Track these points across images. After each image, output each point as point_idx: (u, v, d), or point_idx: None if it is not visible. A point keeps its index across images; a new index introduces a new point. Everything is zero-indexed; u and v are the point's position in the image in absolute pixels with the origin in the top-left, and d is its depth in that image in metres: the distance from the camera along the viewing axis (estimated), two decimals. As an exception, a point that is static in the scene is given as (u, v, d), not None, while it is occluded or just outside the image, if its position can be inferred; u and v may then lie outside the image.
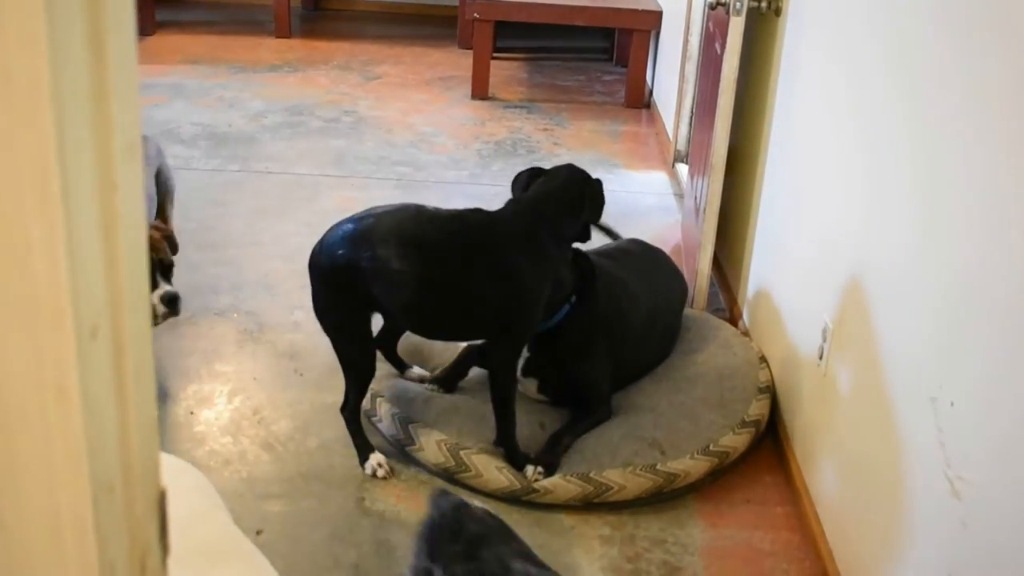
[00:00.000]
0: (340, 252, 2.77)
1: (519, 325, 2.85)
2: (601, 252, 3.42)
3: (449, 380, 3.18)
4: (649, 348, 3.32)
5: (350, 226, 2.80)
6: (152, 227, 3.13)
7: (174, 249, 3.29)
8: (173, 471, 1.80)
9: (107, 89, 0.68)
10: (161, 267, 3.13)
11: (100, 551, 0.75)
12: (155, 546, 0.84)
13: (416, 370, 3.29)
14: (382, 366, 3.22)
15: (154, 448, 0.83)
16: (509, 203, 2.98)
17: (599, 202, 3.04)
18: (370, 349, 2.96)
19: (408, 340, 3.34)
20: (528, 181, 3.04)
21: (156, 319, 3.04)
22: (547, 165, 5.20)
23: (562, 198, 2.94)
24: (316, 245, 2.87)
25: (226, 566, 1.72)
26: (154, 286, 3.06)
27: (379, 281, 2.74)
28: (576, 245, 3.04)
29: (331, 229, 2.85)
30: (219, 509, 1.88)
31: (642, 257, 3.52)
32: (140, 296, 0.77)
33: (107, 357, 0.73)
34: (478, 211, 2.93)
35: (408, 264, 2.73)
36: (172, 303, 3.09)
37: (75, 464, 0.71)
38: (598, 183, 3.06)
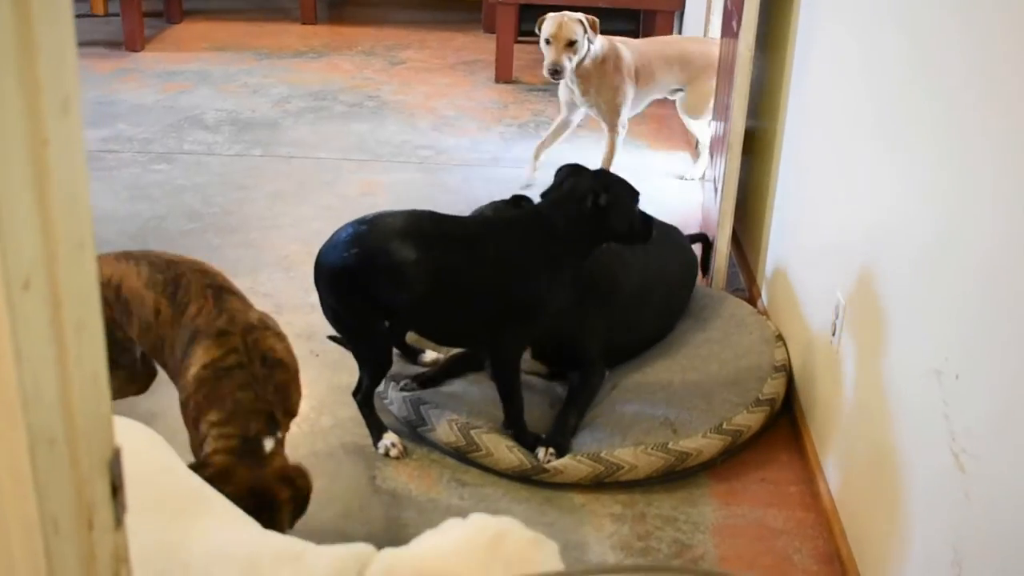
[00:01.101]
0: (354, 251, 2.75)
1: (524, 324, 2.86)
2: None
3: (432, 380, 3.16)
4: (645, 315, 3.31)
5: (363, 227, 2.79)
6: (283, 475, 2.30)
7: (300, 509, 2.34)
8: (126, 429, 1.87)
9: (33, 45, 0.68)
10: None
11: (40, 504, 0.76)
12: (105, 504, 0.84)
13: (429, 355, 3.30)
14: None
15: (102, 404, 0.83)
16: (526, 209, 2.97)
17: (621, 213, 2.87)
18: (385, 343, 2.95)
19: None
20: (561, 178, 3.01)
21: None
22: (570, 147, 5.20)
23: (569, 210, 2.84)
24: (322, 249, 2.85)
25: (195, 513, 1.78)
26: None
27: (395, 277, 2.74)
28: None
29: (335, 234, 2.84)
30: (179, 462, 1.94)
31: None
32: (80, 251, 0.77)
33: (42, 309, 0.73)
34: (492, 218, 2.94)
35: (428, 257, 2.74)
36: None
37: (10, 415, 0.72)
38: (615, 197, 2.87)
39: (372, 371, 2.94)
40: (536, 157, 4.76)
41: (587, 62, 4.43)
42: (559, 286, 2.85)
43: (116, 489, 0.87)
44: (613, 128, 4.62)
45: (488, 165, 5.08)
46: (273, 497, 2.23)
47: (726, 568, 2.61)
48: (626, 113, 4.62)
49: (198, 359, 2.35)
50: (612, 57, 4.49)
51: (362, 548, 1.75)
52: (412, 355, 3.29)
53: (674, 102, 4.90)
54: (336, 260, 2.78)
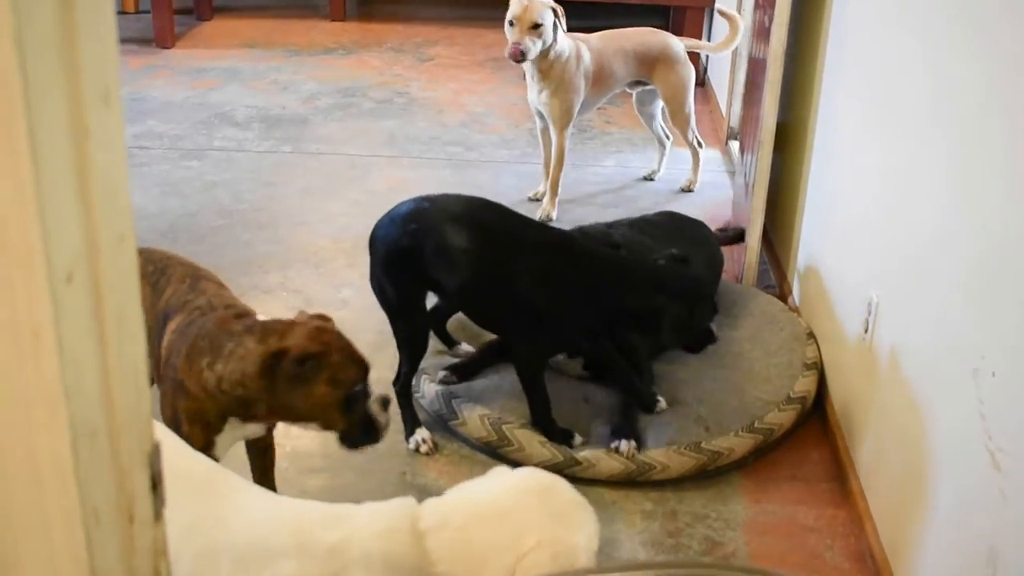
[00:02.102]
0: (412, 227, 2.82)
1: (551, 338, 2.89)
2: (623, 222, 3.49)
3: (467, 371, 3.16)
4: None
5: (426, 204, 2.86)
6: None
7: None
8: None
9: (74, 32, 0.68)
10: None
11: (82, 497, 0.76)
12: (145, 497, 0.84)
13: (464, 347, 3.30)
14: (431, 342, 3.23)
15: (142, 398, 0.83)
16: (612, 251, 3.02)
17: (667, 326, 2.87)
18: (424, 325, 2.99)
19: (458, 317, 3.34)
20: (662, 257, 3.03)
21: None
22: (599, 144, 5.18)
23: (638, 299, 2.84)
24: (380, 222, 2.91)
25: (223, 490, 1.81)
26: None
27: (442, 259, 2.79)
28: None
29: (395, 208, 2.90)
30: (185, 445, 1.96)
31: (665, 226, 3.51)
32: (121, 244, 0.77)
33: (84, 302, 0.73)
34: (564, 232, 2.98)
35: (473, 246, 2.78)
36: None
37: (52, 407, 0.72)
38: (681, 314, 2.87)
39: (410, 353, 2.97)
40: (555, 191, 4.50)
41: (552, 56, 4.23)
42: (575, 324, 2.86)
43: (156, 483, 0.87)
44: (562, 130, 4.42)
45: (517, 162, 5.08)
46: (328, 344, 2.13)
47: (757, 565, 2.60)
48: (575, 117, 4.49)
49: (168, 332, 2.27)
50: (575, 58, 4.32)
51: (406, 501, 1.79)
52: (450, 344, 3.29)
53: (703, 91, 4.87)
54: (391, 234, 2.85)
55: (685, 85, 4.60)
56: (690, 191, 4.79)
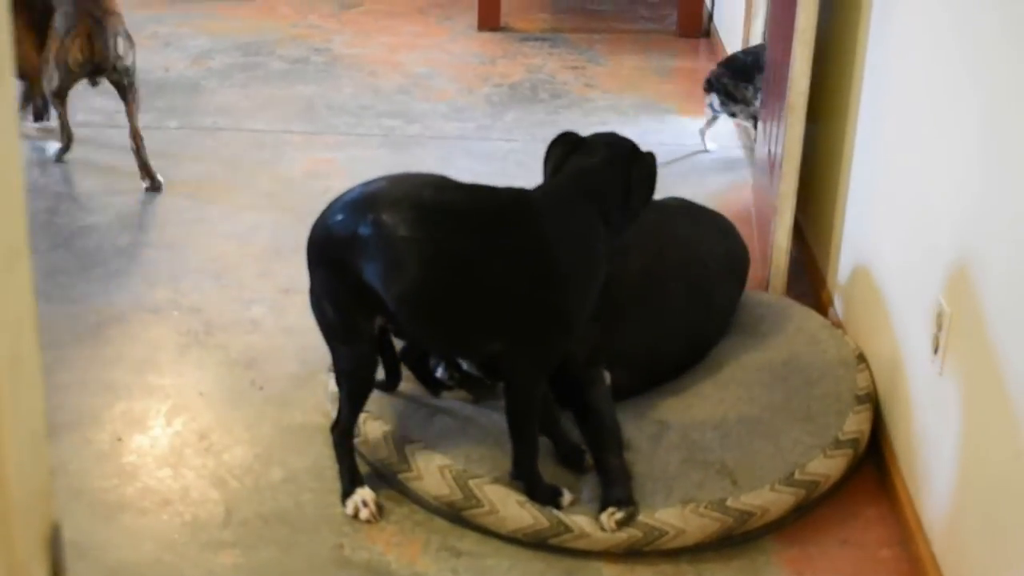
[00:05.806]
0: (339, 219, 2.83)
1: (551, 328, 2.84)
2: None
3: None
4: (661, 318, 3.33)
5: (357, 190, 2.89)
6: None
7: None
8: None
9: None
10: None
11: (-33, 603, 0.73)
12: (45, 596, 0.82)
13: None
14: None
15: (40, 468, 0.81)
16: (544, 183, 3.01)
17: (648, 185, 3.01)
18: (369, 355, 2.95)
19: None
20: (562, 154, 3.03)
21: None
22: (578, 114, 5.19)
23: (605, 178, 2.94)
24: (318, 217, 2.95)
25: None
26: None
27: (379, 255, 2.75)
28: None
29: (338, 197, 2.93)
30: None
31: (662, 210, 3.52)
32: (15, 260, 0.74)
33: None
34: (512, 188, 2.95)
35: (420, 232, 2.75)
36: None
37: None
38: (648, 159, 3.02)
39: (351, 390, 2.94)
40: None
41: None
42: (593, 283, 2.86)
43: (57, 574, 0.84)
44: None
45: (473, 137, 5.07)
46: None
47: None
48: None
49: None
50: None
51: None
52: (436, 389, 3.27)
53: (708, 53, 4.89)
54: (319, 233, 2.88)
55: None
56: None
